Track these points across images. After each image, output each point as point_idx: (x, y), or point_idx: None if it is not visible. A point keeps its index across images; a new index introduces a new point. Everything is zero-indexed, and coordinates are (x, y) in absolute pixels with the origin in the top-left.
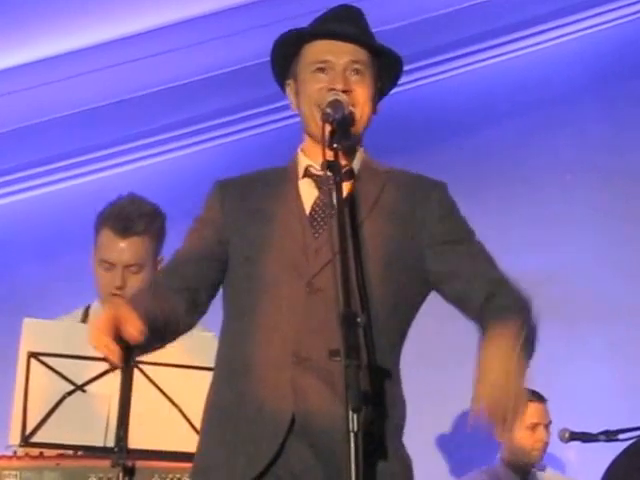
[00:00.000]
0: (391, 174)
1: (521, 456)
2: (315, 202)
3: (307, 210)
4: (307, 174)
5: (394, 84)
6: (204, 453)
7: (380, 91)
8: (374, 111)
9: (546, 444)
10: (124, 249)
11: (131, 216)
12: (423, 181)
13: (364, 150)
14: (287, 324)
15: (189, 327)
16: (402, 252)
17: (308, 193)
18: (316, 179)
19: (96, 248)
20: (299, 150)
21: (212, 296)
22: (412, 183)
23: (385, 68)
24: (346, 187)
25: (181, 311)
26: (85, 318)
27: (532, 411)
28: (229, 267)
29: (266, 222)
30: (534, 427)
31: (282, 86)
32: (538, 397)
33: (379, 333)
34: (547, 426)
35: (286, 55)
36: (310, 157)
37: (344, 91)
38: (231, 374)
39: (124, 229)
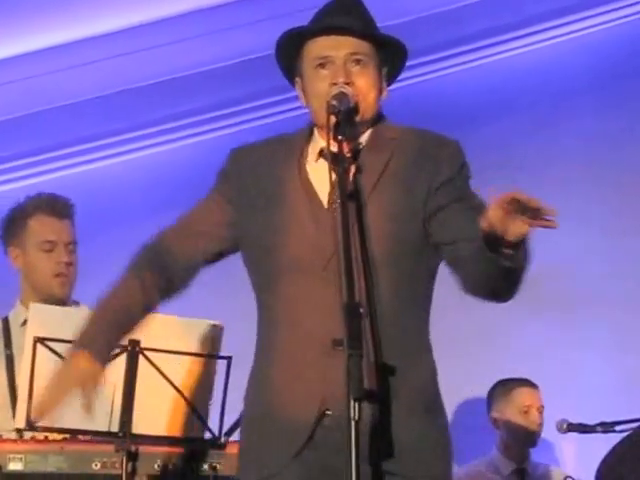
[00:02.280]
0: (400, 140)
1: (517, 440)
2: (330, 189)
3: (320, 196)
4: (322, 156)
5: (401, 68)
6: (244, 439)
7: (388, 76)
8: (381, 96)
9: (540, 426)
10: (64, 228)
11: (63, 201)
12: (433, 142)
13: (380, 124)
14: (308, 314)
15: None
16: (406, 231)
17: (322, 178)
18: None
19: (27, 238)
20: (315, 131)
21: (196, 271)
22: (421, 146)
23: (390, 55)
24: (352, 170)
25: (155, 296)
26: (7, 328)
27: (525, 395)
28: (245, 252)
29: (278, 207)
30: (527, 410)
31: (289, 80)
32: (530, 383)
33: (392, 314)
34: (540, 410)
35: (289, 55)
36: (324, 140)
37: (346, 83)
38: (263, 364)
39: (60, 211)
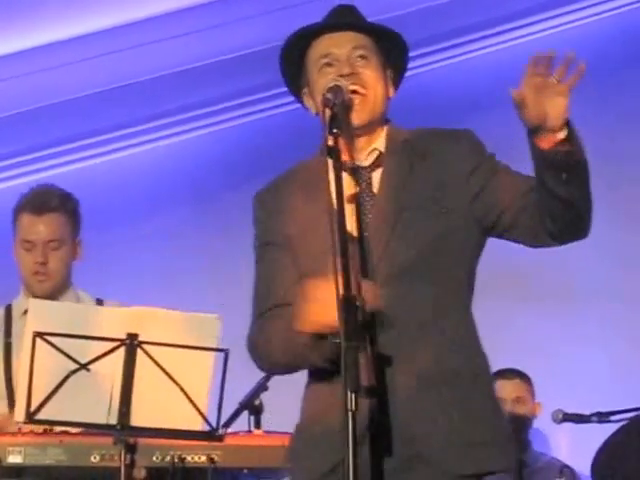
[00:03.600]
0: (414, 141)
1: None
2: (350, 196)
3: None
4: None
5: (404, 67)
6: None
7: (393, 74)
8: (388, 95)
9: (532, 416)
10: (42, 226)
11: (45, 196)
12: (448, 138)
13: (389, 127)
14: None
15: None
16: (438, 236)
17: (346, 188)
18: (351, 173)
19: (16, 234)
20: None
21: None
22: (437, 144)
23: (391, 54)
24: (376, 177)
25: None
26: (9, 316)
27: (514, 386)
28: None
29: (304, 230)
30: (517, 400)
31: (298, 97)
32: (519, 374)
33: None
34: (517, 400)
35: (293, 61)
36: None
37: (351, 74)
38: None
39: (40, 207)
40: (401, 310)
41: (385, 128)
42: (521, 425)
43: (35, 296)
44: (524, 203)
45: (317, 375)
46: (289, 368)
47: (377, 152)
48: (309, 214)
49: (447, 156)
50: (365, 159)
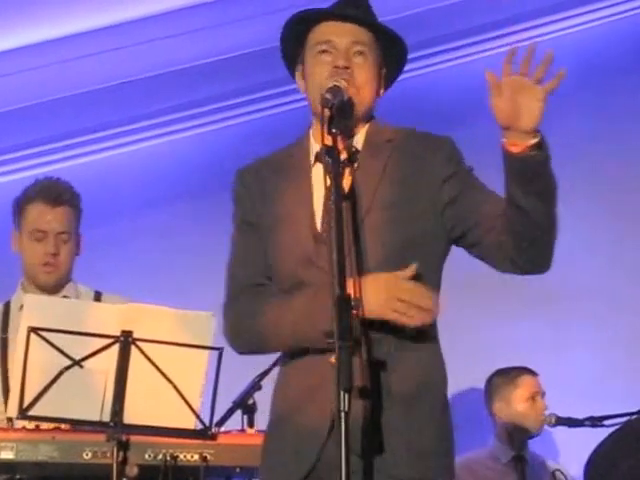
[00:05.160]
0: (396, 141)
1: (521, 428)
2: (326, 191)
3: (319, 199)
4: (318, 159)
5: (400, 68)
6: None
7: (387, 75)
8: (377, 94)
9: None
10: (55, 217)
11: (59, 188)
12: (428, 142)
13: (371, 123)
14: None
15: None
16: (411, 231)
17: (321, 181)
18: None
19: (24, 224)
20: (310, 133)
21: None
22: (418, 146)
23: (389, 53)
24: (349, 173)
25: None
26: (7, 312)
27: (530, 382)
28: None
29: (283, 225)
30: (534, 397)
31: (291, 71)
32: (531, 371)
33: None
34: (543, 396)
35: (294, 40)
36: (319, 142)
37: (345, 67)
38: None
39: (55, 198)
40: None
41: (366, 125)
42: (531, 421)
43: (39, 287)
44: (492, 225)
45: (287, 371)
46: (269, 348)
47: (352, 149)
48: (286, 203)
49: (426, 160)
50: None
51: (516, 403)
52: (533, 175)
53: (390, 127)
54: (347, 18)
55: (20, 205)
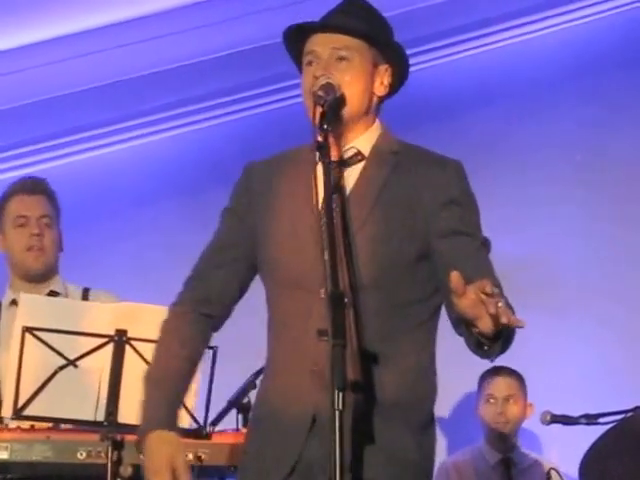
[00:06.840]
0: (402, 155)
1: (490, 430)
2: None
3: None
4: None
5: (403, 64)
6: (245, 453)
7: (395, 72)
8: (374, 90)
9: (501, 415)
10: (35, 203)
11: (35, 181)
12: (436, 163)
13: (381, 130)
14: (303, 329)
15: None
16: (402, 249)
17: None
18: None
19: (7, 220)
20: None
21: (237, 299)
22: (422, 165)
23: (391, 54)
24: (355, 171)
25: (203, 338)
26: None
27: (490, 384)
28: (258, 263)
29: (282, 222)
30: (488, 399)
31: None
32: (501, 372)
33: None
34: (507, 398)
35: (294, 50)
36: None
37: (322, 76)
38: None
39: (32, 189)
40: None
41: (375, 130)
42: (510, 424)
43: (27, 277)
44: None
45: (269, 373)
46: None
47: (354, 150)
48: (288, 205)
49: (430, 181)
50: (338, 155)
51: (480, 405)
52: (489, 344)
53: (398, 141)
54: (326, 28)
55: (1, 205)
